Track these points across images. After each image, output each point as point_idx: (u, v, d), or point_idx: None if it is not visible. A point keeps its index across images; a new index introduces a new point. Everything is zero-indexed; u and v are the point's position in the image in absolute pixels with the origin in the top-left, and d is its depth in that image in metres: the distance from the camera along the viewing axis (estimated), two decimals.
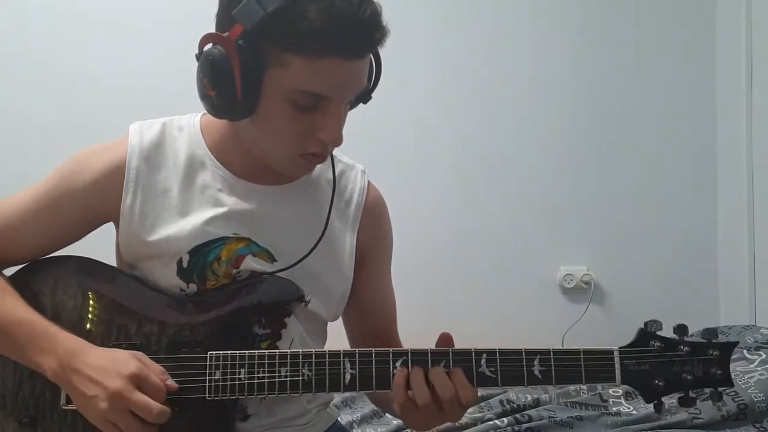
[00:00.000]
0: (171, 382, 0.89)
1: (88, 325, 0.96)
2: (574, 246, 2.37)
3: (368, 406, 1.75)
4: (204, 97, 0.92)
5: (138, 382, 0.85)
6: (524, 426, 1.60)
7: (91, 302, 0.98)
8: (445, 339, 0.94)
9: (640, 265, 2.37)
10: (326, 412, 1.15)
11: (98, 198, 1.00)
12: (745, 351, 1.79)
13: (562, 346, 2.26)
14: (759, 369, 1.65)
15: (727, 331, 2.05)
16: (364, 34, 0.88)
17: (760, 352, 1.77)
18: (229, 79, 0.87)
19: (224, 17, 0.90)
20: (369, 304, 1.16)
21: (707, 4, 2.40)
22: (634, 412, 1.65)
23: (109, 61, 2.15)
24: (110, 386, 0.84)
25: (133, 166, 1.00)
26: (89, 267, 1.01)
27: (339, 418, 1.22)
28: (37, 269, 1.01)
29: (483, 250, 2.32)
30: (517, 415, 1.65)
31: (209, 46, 0.90)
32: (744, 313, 2.26)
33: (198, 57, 0.91)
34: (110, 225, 1.04)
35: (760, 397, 1.54)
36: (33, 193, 1.01)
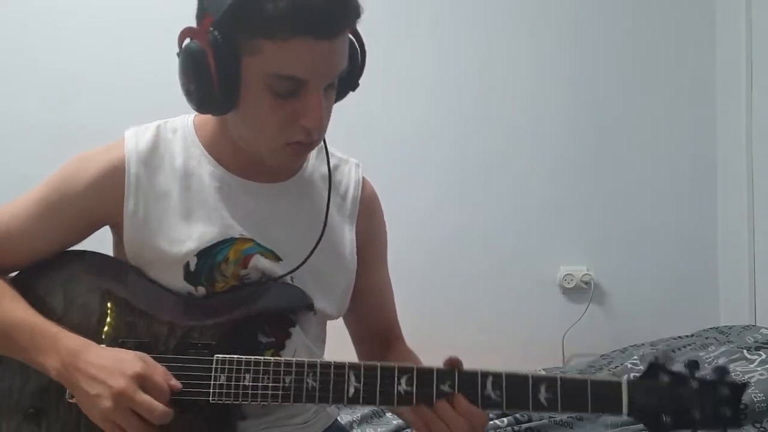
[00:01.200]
0: (175, 382, 0.89)
1: (97, 322, 0.96)
2: (574, 246, 2.37)
3: (368, 406, 1.75)
4: (186, 93, 0.92)
5: (142, 382, 0.85)
6: (524, 426, 1.60)
7: (101, 299, 0.98)
8: (452, 363, 0.92)
9: (640, 265, 2.37)
10: (325, 412, 1.14)
11: (97, 200, 1.00)
12: (745, 351, 1.79)
13: (562, 346, 2.28)
14: (759, 369, 1.65)
15: (727, 331, 2.05)
16: (333, 13, 0.86)
17: (760, 352, 1.76)
18: (206, 72, 0.87)
19: (199, 10, 0.91)
20: (368, 300, 1.16)
21: (707, 4, 2.40)
22: None
23: (110, 61, 2.15)
24: (114, 385, 0.84)
25: (132, 171, 0.99)
26: (101, 263, 1.01)
27: (339, 418, 1.22)
28: (50, 265, 1.01)
29: (482, 250, 2.32)
30: (517, 415, 1.65)
31: (187, 41, 0.90)
32: (744, 313, 2.26)
33: (179, 54, 0.92)
34: (106, 229, 1.05)
35: (760, 397, 1.54)
36: (32, 199, 1.01)
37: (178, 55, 0.92)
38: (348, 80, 0.96)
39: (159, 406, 0.84)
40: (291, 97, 0.89)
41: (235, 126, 0.97)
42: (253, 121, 0.93)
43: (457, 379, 0.90)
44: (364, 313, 1.17)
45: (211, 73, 0.87)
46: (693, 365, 0.92)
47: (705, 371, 0.93)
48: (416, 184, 2.28)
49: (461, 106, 2.33)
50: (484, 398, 0.89)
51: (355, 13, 0.90)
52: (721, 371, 0.92)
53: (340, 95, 0.98)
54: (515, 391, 0.90)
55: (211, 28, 0.86)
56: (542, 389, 0.89)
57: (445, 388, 0.90)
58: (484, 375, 0.90)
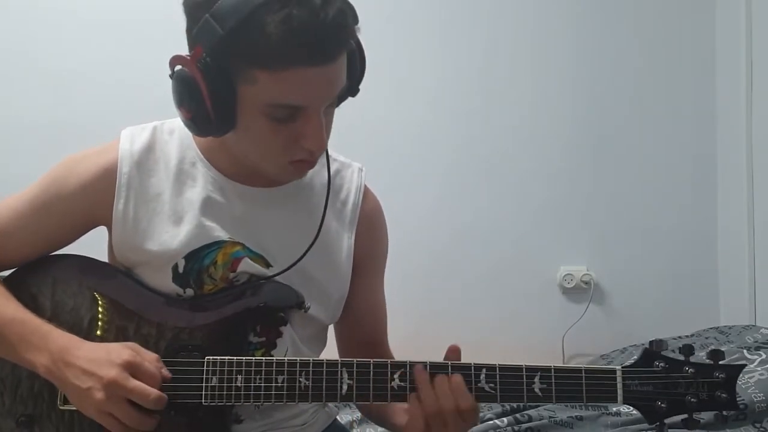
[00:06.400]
0: (165, 371, 0.88)
1: (86, 325, 0.96)
2: (574, 246, 2.37)
3: (363, 403, 1.74)
4: (183, 118, 0.91)
5: (132, 369, 0.85)
6: (524, 426, 1.60)
7: (90, 302, 0.97)
8: (454, 351, 0.93)
9: (640, 265, 2.37)
10: (324, 412, 1.14)
11: (88, 202, 0.99)
12: (745, 351, 1.79)
13: (562, 346, 2.28)
14: (759, 369, 1.64)
15: (727, 331, 2.05)
16: (328, 39, 0.83)
17: (760, 352, 1.76)
18: (199, 99, 0.86)
19: (188, 37, 0.89)
20: (359, 313, 1.13)
21: (707, 4, 2.40)
22: (634, 412, 1.64)
23: (109, 61, 2.15)
24: (105, 376, 0.83)
25: (124, 171, 0.99)
26: (90, 266, 1.01)
27: (338, 418, 1.22)
28: (38, 268, 1.01)
29: (483, 250, 2.32)
30: (517, 415, 1.64)
31: (178, 67, 0.88)
32: (744, 313, 2.25)
33: (171, 77, 0.90)
34: (102, 229, 1.04)
35: (760, 397, 1.54)
36: (24, 198, 1.01)
37: (170, 77, 0.90)
38: (347, 88, 0.93)
39: (152, 390, 0.84)
40: (290, 121, 0.88)
41: (238, 145, 0.95)
42: (255, 143, 0.92)
43: (450, 373, 0.90)
44: (353, 325, 1.14)
45: (204, 99, 0.85)
46: (687, 350, 0.91)
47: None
48: (417, 185, 2.28)
49: (462, 106, 2.33)
50: (478, 390, 0.90)
51: (351, 31, 0.87)
52: (716, 354, 0.91)
53: (340, 100, 0.96)
54: (509, 382, 0.90)
55: (204, 55, 0.84)
56: (536, 380, 0.90)
57: (444, 375, 0.90)
58: (478, 367, 0.91)
